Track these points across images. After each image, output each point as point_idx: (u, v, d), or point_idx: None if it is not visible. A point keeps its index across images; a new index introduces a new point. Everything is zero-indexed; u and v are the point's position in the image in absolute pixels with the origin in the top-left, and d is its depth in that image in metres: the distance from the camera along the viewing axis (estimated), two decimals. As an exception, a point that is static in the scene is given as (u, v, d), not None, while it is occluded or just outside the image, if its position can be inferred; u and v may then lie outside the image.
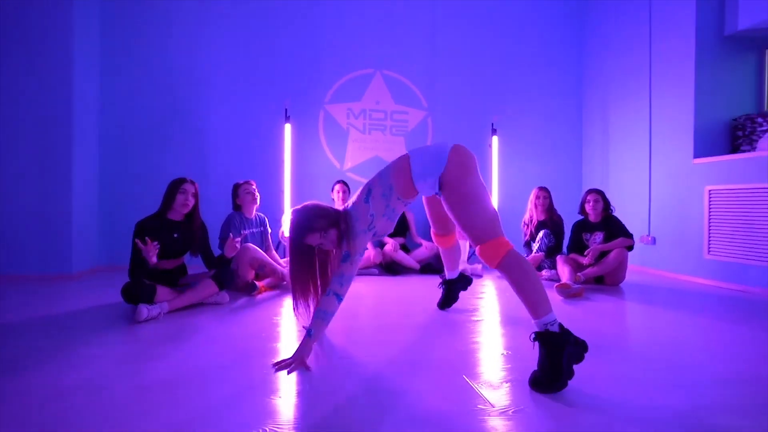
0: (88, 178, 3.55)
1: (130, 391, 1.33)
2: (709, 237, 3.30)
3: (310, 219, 1.67)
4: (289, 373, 1.47)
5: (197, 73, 3.91)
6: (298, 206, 1.75)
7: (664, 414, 1.20)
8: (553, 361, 1.32)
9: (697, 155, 3.43)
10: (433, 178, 1.63)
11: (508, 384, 1.40)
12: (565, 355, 1.32)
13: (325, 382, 1.42)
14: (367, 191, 1.70)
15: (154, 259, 2.22)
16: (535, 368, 1.37)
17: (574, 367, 1.35)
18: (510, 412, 1.21)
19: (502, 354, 1.70)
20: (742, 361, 1.63)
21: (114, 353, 1.68)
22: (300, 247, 1.69)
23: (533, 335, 1.39)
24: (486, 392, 1.33)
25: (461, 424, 1.14)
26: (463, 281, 2.40)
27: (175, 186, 2.42)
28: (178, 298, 2.32)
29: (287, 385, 1.39)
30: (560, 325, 1.38)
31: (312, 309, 1.73)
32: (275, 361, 1.54)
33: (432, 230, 2.24)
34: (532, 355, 1.44)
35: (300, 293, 1.73)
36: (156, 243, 2.22)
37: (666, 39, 3.70)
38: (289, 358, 1.54)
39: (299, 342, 1.57)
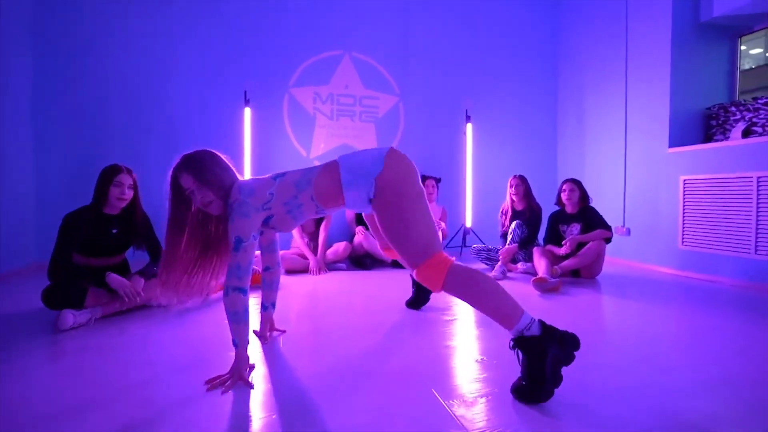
0: (21, 169, 3.16)
1: (45, 421, 1.07)
2: (683, 227, 3.25)
3: (197, 159, 1.44)
4: (224, 392, 1.24)
5: (145, 52, 3.53)
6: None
7: (651, 422, 1.05)
8: (535, 367, 1.17)
9: (672, 144, 3.37)
10: (365, 189, 1.35)
11: (484, 399, 1.23)
12: (548, 360, 1.16)
13: (268, 398, 1.20)
14: (282, 173, 1.47)
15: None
16: (519, 375, 1.21)
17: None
18: (487, 435, 1.03)
19: (477, 360, 1.53)
20: (722, 356, 1.52)
21: (28, 371, 1.40)
22: (175, 185, 1.46)
23: (510, 343, 1.22)
24: (459, 410, 1.15)
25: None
26: None
27: (108, 177, 2.09)
28: (114, 302, 2.04)
29: (221, 405, 1.16)
30: (540, 324, 1.21)
31: (183, 284, 1.45)
32: (208, 378, 1.32)
33: (379, 245, 1.99)
34: (510, 360, 1.26)
35: (171, 255, 1.45)
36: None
37: (642, 26, 3.60)
38: (225, 374, 1.32)
39: (235, 356, 1.34)
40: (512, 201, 3.43)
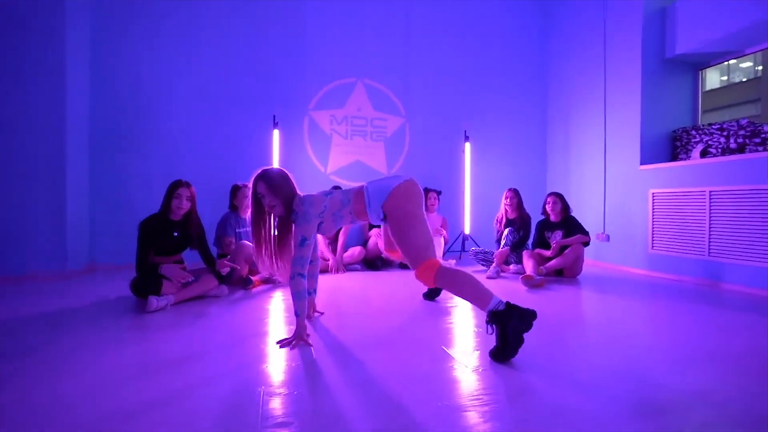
0: (80, 181, 3.67)
1: (148, 364, 1.57)
2: (653, 234, 3.76)
3: (272, 175, 1.94)
4: (291, 348, 1.73)
5: (189, 79, 4.07)
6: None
7: (603, 377, 1.55)
8: (502, 333, 1.62)
9: (643, 162, 3.90)
10: (377, 207, 1.86)
11: (477, 351, 1.73)
12: (510, 327, 1.60)
13: (314, 355, 1.70)
14: (330, 191, 2.03)
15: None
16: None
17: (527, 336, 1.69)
18: (480, 370, 1.53)
19: (474, 331, 2.03)
20: (686, 337, 2.02)
21: (134, 337, 1.90)
22: (254, 190, 1.95)
23: (486, 318, 1.67)
24: (460, 357, 1.65)
25: (442, 379, 1.45)
26: None
27: (171, 190, 2.62)
28: (182, 291, 2.54)
29: (278, 357, 1.66)
30: (507, 304, 1.62)
31: (272, 263, 1.98)
32: (278, 340, 1.81)
33: (382, 246, 2.53)
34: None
35: (258, 243, 1.97)
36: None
37: (617, 59, 4.16)
38: (290, 337, 1.81)
39: (291, 324, 1.85)
40: (506, 211, 3.94)
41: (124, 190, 3.90)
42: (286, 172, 2.03)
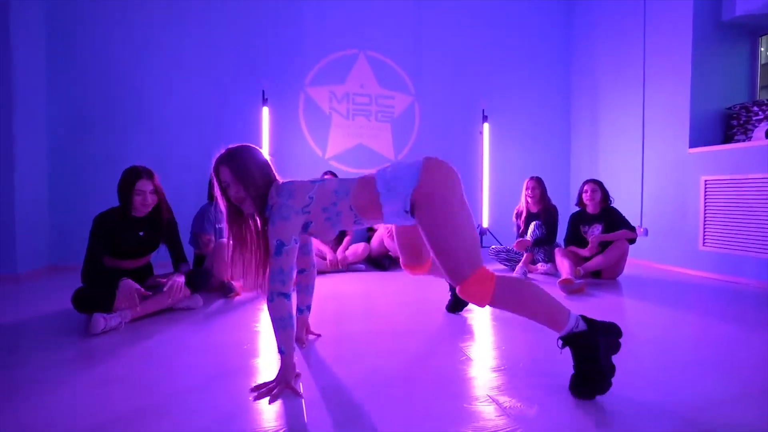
0: (35, 171, 3.12)
1: (83, 429, 1.05)
2: (705, 228, 3.23)
3: (236, 154, 1.41)
4: (271, 401, 1.21)
5: (163, 51, 3.49)
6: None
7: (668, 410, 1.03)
8: (591, 360, 1.18)
9: (692, 145, 3.35)
10: (401, 203, 1.33)
11: (535, 407, 1.20)
12: (601, 351, 1.17)
13: (305, 410, 1.18)
14: (320, 179, 1.46)
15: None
16: (572, 372, 1.22)
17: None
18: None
19: (493, 368, 1.51)
20: (744, 368, 1.51)
21: (62, 375, 1.37)
22: (217, 177, 1.42)
23: (560, 342, 1.22)
24: (510, 407, 1.13)
25: None
26: None
27: (129, 184, 2.03)
28: (144, 304, 2.01)
29: (270, 414, 1.14)
30: (584, 319, 1.23)
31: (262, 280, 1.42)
32: (253, 385, 1.29)
33: (401, 260, 1.80)
34: (526, 343, 1.24)
35: (239, 253, 1.44)
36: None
37: (661, 26, 3.58)
38: (270, 382, 1.29)
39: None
40: (527, 203, 3.40)
41: (90, 180, 3.35)
42: (256, 149, 1.48)
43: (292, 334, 1.32)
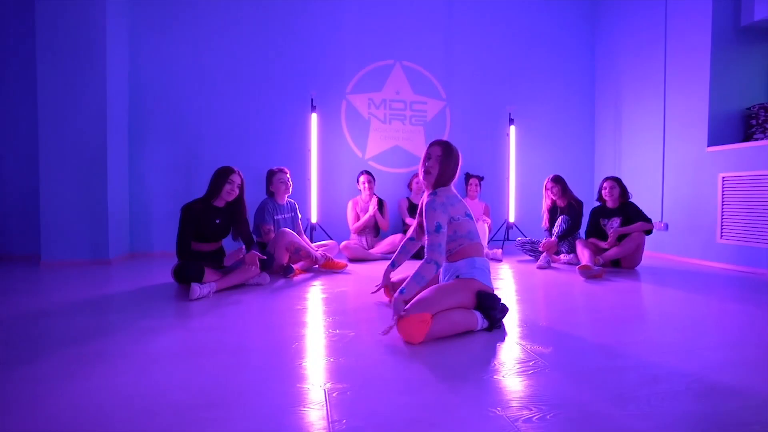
0: (120, 171, 3.66)
1: (191, 355, 1.47)
2: (722, 222, 3.43)
3: (453, 147, 1.87)
4: (386, 332, 1.59)
5: (225, 65, 3.99)
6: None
7: (672, 374, 1.34)
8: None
9: (711, 143, 3.55)
10: (454, 275, 1.82)
11: (551, 348, 1.54)
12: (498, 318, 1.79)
13: (353, 351, 1.56)
14: (465, 215, 1.85)
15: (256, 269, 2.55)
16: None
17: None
18: (546, 369, 1.35)
19: (540, 324, 1.84)
20: (745, 332, 1.77)
21: (178, 325, 1.82)
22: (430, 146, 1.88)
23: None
24: (530, 348, 1.47)
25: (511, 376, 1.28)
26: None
27: (223, 175, 2.53)
28: (223, 279, 2.46)
29: (317, 351, 1.53)
30: (484, 316, 1.74)
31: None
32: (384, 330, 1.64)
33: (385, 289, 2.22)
34: (562, 325, 1.56)
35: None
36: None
37: (682, 30, 3.79)
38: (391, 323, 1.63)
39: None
40: (550, 200, 3.68)
41: (161, 178, 3.88)
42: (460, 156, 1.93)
43: (417, 288, 1.71)
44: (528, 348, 1.55)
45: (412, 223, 3.89)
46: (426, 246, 1.75)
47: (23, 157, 3.62)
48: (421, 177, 1.89)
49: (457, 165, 1.89)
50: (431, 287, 1.72)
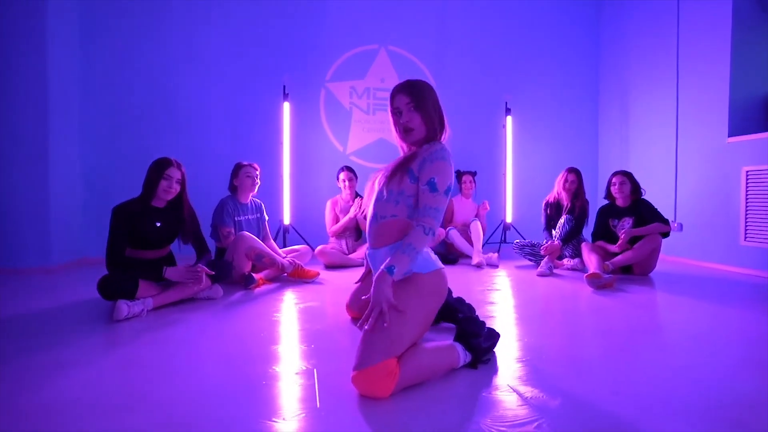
0: (68, 166, 3.25)
1: (105, 409, 1.06)
2: (746, 222, 3.03)
3: (420, 86, 1.36)
4: (365, 325, 1.16)
5: (186, 48, 3.57)
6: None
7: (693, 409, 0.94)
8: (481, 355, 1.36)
9: (732, 133, 3.15)
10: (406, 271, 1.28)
11: (558, 401, 1.14)
12: (485, 352, 1.39)
13: (338, 394, 1.16)
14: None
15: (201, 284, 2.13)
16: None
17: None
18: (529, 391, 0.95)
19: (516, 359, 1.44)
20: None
21: (85, 358, 1.41)
22: (392, 99, 1.38)
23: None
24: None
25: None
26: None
27: (158, 169, 2.12)
28: (163, 293, 2.05)
29: (290, 397, 1.13)
30: (466, 348, 1.33)
31: None
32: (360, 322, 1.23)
33: (348, 302, 1.87)
34: (569, 358, 1.17)
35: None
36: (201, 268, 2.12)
37: (698, 8, 3.39)
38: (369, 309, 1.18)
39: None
40: (562, 196, 3.26)
41: (117, 175, 3.46)
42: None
43: (407, 264, 1.22)
44: (528, 397, 1.14)
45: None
46: (422, 208, 1.27)
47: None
48: (399, 140, 1.40)
49: (438, 104, 1.39)
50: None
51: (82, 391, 1.18)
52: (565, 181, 3.22)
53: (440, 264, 1.35)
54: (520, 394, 1.16)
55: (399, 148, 1.45)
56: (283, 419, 1.02)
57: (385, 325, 1.14)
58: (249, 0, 3.67)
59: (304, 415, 1.05)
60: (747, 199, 3.02)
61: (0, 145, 2.91)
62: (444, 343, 1.32)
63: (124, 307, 1.84)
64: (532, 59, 4.29)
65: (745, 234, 3.04)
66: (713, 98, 3.26)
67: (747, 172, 3.02)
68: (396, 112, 1.37)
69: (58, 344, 1.55)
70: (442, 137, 1.40)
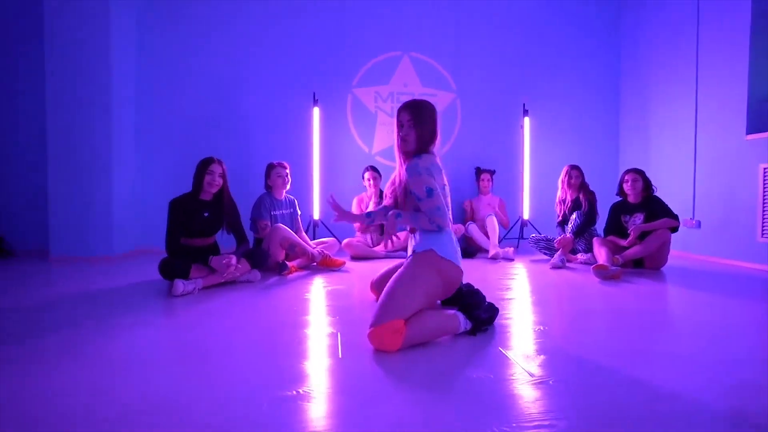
0: (127, 167, 3.68)
1: (170, 356, 1.37)
2: (763, 218, 3.07)
3: (423, 107, 1.66)
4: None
5: (230, 60, 3.96)
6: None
7: (695, 398, 1.12)
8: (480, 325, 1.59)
9: (750, 131, 3.19)
10: (414, 247, 1.64)
11: (543, 356, 1.35)
12: (484, 321, 1.61)
13: (357, 350, 1.41)
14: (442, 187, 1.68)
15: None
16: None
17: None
18: (550, 381, 1.16)
19: (536, 330, 1.64)
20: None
21: (155, 323, 1.74)
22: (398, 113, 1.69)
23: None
24: (522, 362, 1.29)
25: (501, 390, 1.11)
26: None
27: (203, 166, 2.47)
28: (211, 275, 2.38)
29: (318, 350, 1.39)
30: (467, 317, 1.56)
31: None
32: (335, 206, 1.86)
33: (373, 283, 2.11)
34: (566, 330, 1.37)
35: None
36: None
37: (717, 7, 3.44)
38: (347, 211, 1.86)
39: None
40: (565, 192, 3.43)
41: (166, 174, 3.87)
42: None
43: (410, 224, 1.62)
44: (525, 357, 1.36)
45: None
46: (424, 212, 1.58)
47: (31, 154, 3.69)
48: (397, 148, 1.70)
49: (435, 123, 1.67)
50: (392, 280, 1.52)
51: (146, 346, 1.49)
52: (569, 177, 3.37)
53: (458, 261, 1.60)
54: (511, 359, 1.37)
55: (395, 149, 1.72)
56: (311, 363, 1.29)
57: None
58: (283, 17, 4.02)
59: (329, 360, 1.31)
60: (765, 195, 3.06)
61: (71, 149, 3.36)
62: (448, 310, 1.55)
63: (180, 284, 2.18)
64: (550, 61, 4.42)
65: (762, 230, 3.08)
66: (732, 95, 3.31)
67: (765, 168, 3.06)
68: (399, 125, 1.68)
69: (131, 311, 1.89)
70: (433, 147, 1.69)
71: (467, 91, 4.31)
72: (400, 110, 1.68)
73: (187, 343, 1.48)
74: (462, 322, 1.54)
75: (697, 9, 3.60)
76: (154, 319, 1.80)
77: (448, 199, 1.68)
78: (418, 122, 1.63)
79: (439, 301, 1.79)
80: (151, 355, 1.38)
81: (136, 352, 1.40)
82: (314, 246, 3.07)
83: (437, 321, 1.49)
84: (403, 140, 1.66)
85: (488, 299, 1.83)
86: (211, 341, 1.50)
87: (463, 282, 1.74)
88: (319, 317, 1.83)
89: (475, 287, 1.86)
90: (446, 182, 1.70)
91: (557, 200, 3.50)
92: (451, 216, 1.69)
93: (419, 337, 1.43)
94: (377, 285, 2.09)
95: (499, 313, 1.75)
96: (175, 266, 2.27)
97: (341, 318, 1.81)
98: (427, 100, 1.72)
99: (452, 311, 1.56)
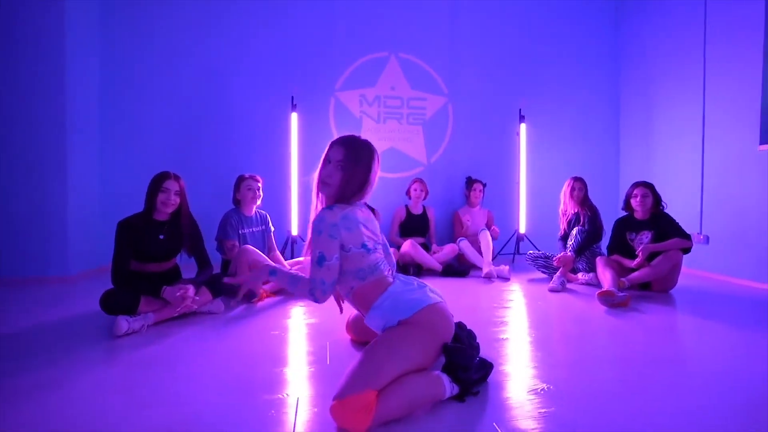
0: (87, 177, 3.35)
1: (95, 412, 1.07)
2: (779, 236, 2.83)
3: (361, 146, 1.38)
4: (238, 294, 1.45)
5: (198, 60, 3.64)
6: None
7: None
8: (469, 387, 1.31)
9: (764, 141, 2.95)
10: (385, 323, 1.34)
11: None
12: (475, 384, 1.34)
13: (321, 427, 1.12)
14: (374, 248, 1.38)
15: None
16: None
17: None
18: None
19: (539, 390, 1.36)
20: None
21: (82, 379, 1.42)
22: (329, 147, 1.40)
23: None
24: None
25: None
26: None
27: (156, 183, 2.15)
28: (165, 309, 2.07)
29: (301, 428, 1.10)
30: (453, 381, 1.27)
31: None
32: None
33: (351, 329, 1.80)
34: (574, 389, 1.10)
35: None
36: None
37: (726, 8, 3.19)
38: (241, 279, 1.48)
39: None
40: (567, 205, 3.17)
41: (133, 185, 3.53)
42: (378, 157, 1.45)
43: (285, 280, 1.41)
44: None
45: (401, 242, 3.44)
46: (304, 282, 1.36)
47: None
48: (314, 189, 1.41)
49: (369, 172, 1.38)
50: (370, 344, 1.25)
51: (70, 410, 1.19)
52: (572, 189, 3.11)
53: (431, 300, 1.33)
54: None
55: (313, 191, 1.43)
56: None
57: None
58: (258, 15, 3.70)
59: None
60: (779, 211, 2.82)
61: (19, 155, 3.02)
62: (429, 373, 1.26)
63: (123, 323, 1.86)
64: (547, 64, 4.16)
65: (778, 249, 2.84)
66: (743, 103, 3.07)
67: (779, 182, 2.82)
68: (326, 160, 1.38)
69: (49, 363, 1.57)
70: (358, 198, 1.39)
71: (460, 95, 4.04)
72: (333, 144, 1.39)
73: (124, 413, 1.17)
74: (447, 386, 1.25)
75: (704, 8, 3.36)
76: (70, 374, 1.48)
77: (377, 254, 1.38)
78: (349, 165, 1.34)
79: None
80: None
81: (51, 421, 1.09)
82: (289, 267, 2.77)
83: (417, 387, 1.19)
84: (322, 182, 1.37)
85: (480, 338, 1.54)
86: (141, 410, 1.19)
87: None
88: (279, 368, 1.53)
89: (466, 330, 1.57)
90: (374, 234, 1.40)
91: (561, 212, 3.24)
92: (393, 261, 1.55)
93: (395, 412, 1.13)
94: (353, 325, 1.80)
95: (494, 366, 1.46)
96: (118, 299, 1.96)
97: (313, 368, 1.51)
98: (370, 142, 1.42)
99: (435, 373, 1.27)
